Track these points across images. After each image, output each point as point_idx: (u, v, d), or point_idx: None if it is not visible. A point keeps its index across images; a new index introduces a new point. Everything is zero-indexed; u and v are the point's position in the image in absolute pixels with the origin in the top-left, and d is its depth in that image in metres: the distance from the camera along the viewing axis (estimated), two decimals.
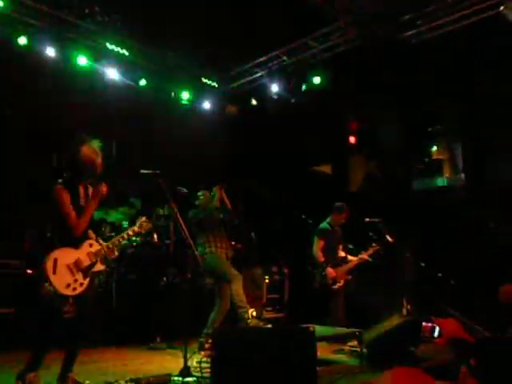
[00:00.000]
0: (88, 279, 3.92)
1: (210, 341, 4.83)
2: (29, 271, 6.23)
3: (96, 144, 4.18)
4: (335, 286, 6.53)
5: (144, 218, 4.46)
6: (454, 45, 7.73)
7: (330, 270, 6.53)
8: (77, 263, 3.87)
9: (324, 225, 6.85)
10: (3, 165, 7.05)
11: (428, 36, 7.50)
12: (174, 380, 3.95)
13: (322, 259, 6.63)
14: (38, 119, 7.49)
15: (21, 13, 7.21)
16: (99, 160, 4.12)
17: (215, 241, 5.81)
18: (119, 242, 4.21)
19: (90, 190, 4.13)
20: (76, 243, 3.95)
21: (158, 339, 6.09)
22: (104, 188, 4.11)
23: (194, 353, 4.49)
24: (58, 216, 4.00)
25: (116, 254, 4.24)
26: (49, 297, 4.02)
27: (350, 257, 6.85)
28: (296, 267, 8.68)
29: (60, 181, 4.02)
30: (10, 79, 7.25)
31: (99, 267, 4.05)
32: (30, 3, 7.15)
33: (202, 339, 5.43)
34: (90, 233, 4.13)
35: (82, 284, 3.87)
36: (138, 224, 4.43)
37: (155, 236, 7.53)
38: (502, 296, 6.06)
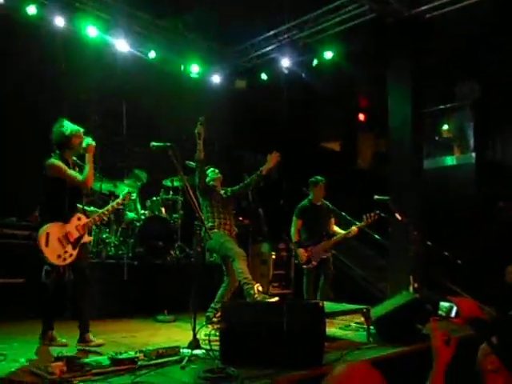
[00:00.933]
0: (77, 250, 4.30)
1: (218, 314, 4.85)
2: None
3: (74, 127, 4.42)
4: (306, 266, 6.49)
5: (127, 191, 4.87)
6: (469, 21, 7.58)
7: (301, 251, 6.50)
8: (66, 236, 4.25)
9: (303, 203, 6.74)
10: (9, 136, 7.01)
11: (443, 11, 7.33)
12: (183, 352, 3.97)
13: (295, 239, 6.62)
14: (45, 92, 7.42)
15: None
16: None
17: (219, 217, 5.71)
18: (105, 214, 4.67)
19: (77, 168, 4.46)
20: (65, 218, 4.28)
21: (165, 312, 6.13)
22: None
23: (202, 326, 4.51)
24: (50, 191, 4.31)
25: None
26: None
27: (339, 231, 6.71)
28: None
29: (51, 159, 4.30)
30: (18, 49, 7.16)
31: (87, 239, 4.49)
32: None
33: (209, 313, 5.46)
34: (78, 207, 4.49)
35: (71, 255, 4.26)
36: (121, 196, 4.80)
37: (163, 210, 7.55)
38: (509, 276, 6.06)
